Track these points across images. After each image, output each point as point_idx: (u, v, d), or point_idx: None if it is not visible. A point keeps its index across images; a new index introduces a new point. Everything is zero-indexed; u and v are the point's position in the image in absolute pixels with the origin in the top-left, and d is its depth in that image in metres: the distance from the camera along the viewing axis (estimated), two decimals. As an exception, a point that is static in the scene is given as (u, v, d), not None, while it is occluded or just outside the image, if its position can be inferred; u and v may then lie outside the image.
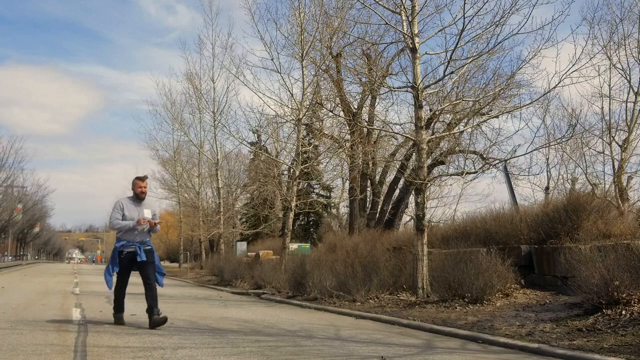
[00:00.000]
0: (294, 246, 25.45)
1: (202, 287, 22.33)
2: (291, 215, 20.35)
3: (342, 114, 28.43)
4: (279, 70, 19.97)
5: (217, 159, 32.56)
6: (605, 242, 11.66)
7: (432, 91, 13.65)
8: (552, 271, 12.13)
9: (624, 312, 7.83)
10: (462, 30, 11.43)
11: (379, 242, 20.26)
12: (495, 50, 11.88)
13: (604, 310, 8.07)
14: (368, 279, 13.38)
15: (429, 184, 12.20)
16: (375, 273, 14.01)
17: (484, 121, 17.52)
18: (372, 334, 8.12)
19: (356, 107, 27.98)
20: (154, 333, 7.49)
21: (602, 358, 5.77)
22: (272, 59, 20.01)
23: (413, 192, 12.21)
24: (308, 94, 21.15)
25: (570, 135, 14.62)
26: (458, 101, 16.89)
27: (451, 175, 13.99)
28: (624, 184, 22.69)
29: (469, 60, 12.32)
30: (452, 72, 12.44)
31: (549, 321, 8.38)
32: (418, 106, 12.52)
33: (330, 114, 29.82)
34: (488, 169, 12.50)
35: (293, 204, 20.23)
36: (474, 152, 25.69)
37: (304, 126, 25.23)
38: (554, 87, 12.20)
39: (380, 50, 23.76)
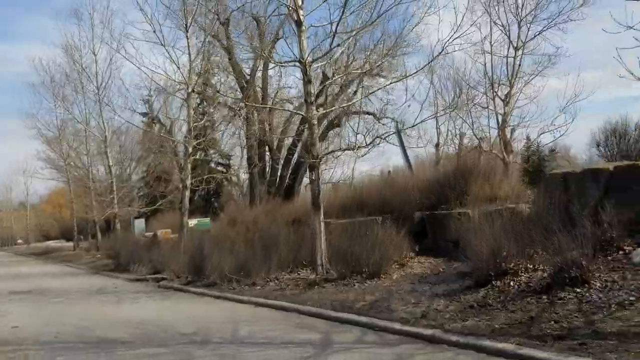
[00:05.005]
0: (193, 222, 24.81)
1: (97, 275, 21.30)
2: (187, 193, 19.67)
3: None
4: (163, 42, 18.92)
5: (105, 136, 30.84)
6: (492, 206, 12.13)
7: (320, 64, 13.37)
8: (444, 236, 12.49)
9: (512, 284, 8.12)
10: (345, 3, 11.19)
11: (280, 213, 20.12)
12: (378, 22, 11.76)
13: (493, 283, 8.34)
14: (268, 258, 13.22)
15: (322, 160, 12.05)
16: (276, 250, 13.85)
17: (372, 92, 17.64)
18: (271, 330, 7.96)
19: (249, 73, 27.39)
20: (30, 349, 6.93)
21: (493, 344, 5.92)
22: (154, 31, 18.91)
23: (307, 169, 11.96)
24: (196, 65, 20.25)
25: (455, 106, 14.89)
26: (345, 74, 16.85)
27: (344, 150, 13.92)
28: (508, 136, 23.80)
29: (354, 33, 12.14)
30: (339, 45, 12.23)
31: (442, 296, 8.56)
32: (307, 81, 12.25)
33: (223, 80, 29.22)
34: (379, 143, 12.51)
35: (188, 182, 19.57)
36: (368, 113, 25.97)
37: (197, 95, 24.36)
38: (437, 56, 12.35)
39: (268, 15, 23.17)
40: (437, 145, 28.79)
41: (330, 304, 9.29)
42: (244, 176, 39.23)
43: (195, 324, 8.74)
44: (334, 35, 11.69)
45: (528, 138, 42.46)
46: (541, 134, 24.92)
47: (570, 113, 22.27)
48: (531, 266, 8.47)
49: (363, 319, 7.95)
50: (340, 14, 11.31)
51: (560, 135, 26.17)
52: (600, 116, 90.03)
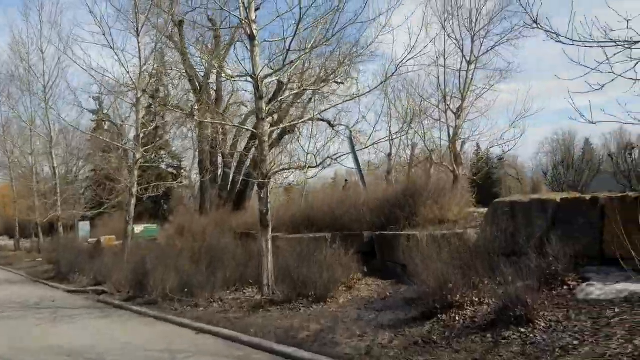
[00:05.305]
0: (140, 228, 24.21)
1: (36, 284, 20.43)
2: (133, 201, 19.03)
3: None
4: (112, 46, 18.24)
5: (51, 137, 29.75)
6: (440, 228, 12.09)
7: (272, 79, 13.08)
8: (393, 258, 12.38)
9: (457, 318, 8.03)
10: (300, 19, 10.93)
11: (229, 223, 19.76)
12: (331, 41, 11.58)
13: (439, 316, 8.24)
14: (213, 275, 12.85)
15: (271, 179, 11.77)
16: (222, 266, 13.51)
17: (324, 110, 17.53)
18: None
19: (203, 75, 26.81)
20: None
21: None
22: (104, 34, 18.24)
23: (256, 188, 11.69)
24: (146, 69, 19.60)
25: (407, 130, 14.88)
26: (301, 81, 16.66)
27: (294, 169, 13.68)
28: (459, 149, 24.07)
29: (307, 50, 11.90)
30: (292, 62, 11.97)
31: (388, 328, 8.39)
32: (258, 97, 11.93)
33: (175, 82, 28.53)
34: (329, 165, 12.31)
35: (134, 190, 18.94)
36: (322, 119, 25.81)
37: (147, 99, 23.67)
38: (390, 76, 12.27)
39: (225, 18, 22.71)
40: (389, 155, 28.95)
41: (274, 333, 9.02)
42: (195, 177, 38.63)
43: (129, 356, 8.33)
44: (287, 52, 11.41)
45: (478, 147, 43.17)
46: (491, 147, 25.34)
47: (519, 127, 22.71)
48: (477, 299, 8.40)
49: (306, 355, 7.71)
50: (294, 30, 11.05)
51: (509, 150, 26.59)
52: (550, 126, 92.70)
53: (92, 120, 40.38)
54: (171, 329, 10.44)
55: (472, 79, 23.40)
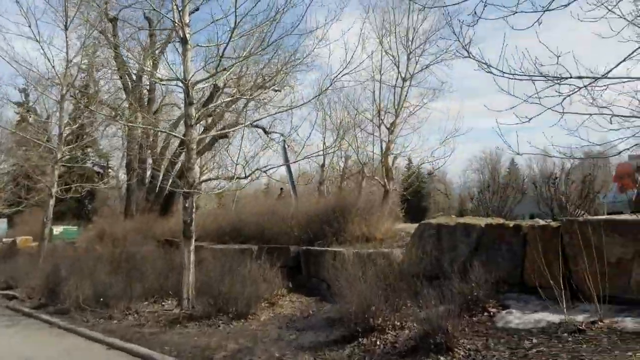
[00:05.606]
0: (59, 229, 23.09)
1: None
2: (52, 202, 18.08)
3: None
4: (38, 39, 17.32)
5: (-33, 127, 28.04)
6: (367, 246, 12.02)
7: (203, 85, 12.70)
8: (318, 274, 12.22)
9: (378, 342, 7.90)
10: (234, 27, 10.62)
11: (153, 229, 19.10)
12: (266, 51, 11.34)
13: (360, 340, 8.09)
14: (130, 286, 12.28)
15: (199, 188, 11.38)
16: (141, 276, 12.95)
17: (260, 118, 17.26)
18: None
19: (135, 72, 25.91)
20: None
21: None
22: (29, 25, 17.31)
23: (181, 197, 11.26)
24: (73, 65, 18.73)
25: (338, 147, 14.82)
26: (237, 86, 16.32)
27: (222, 179, 13.34)
28: (390, 163, 24.32)
29: (241, 59, 11.61)
30: (225, 69, 11.63)
31: (307, 350, 8.18)
32: (188, 103, 11.51)
33: (106, 78, 27.44)
34: (258, 177, 12.01)
35: (54, 190, 18.00)
36: (257, 126, 25.46)
37: (75, 94, 22.64)
38: (325, 90, 12.16)
39: (160, 18, 22.06)
40: (322, 166, 28.91)
41: (190, 351, 8.64)
42: (122, 177, 37.30)
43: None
44: (221, 59, 11.07)
45: (410, 161, 43.90)
46: (422, 164, 25.75)
47: (449, 145, 23.23)
48: (399, 323, 8.29)
49: (219, 377, 7.39)
50: (228, 37, 10.72)
51: (439, 168, 27.12)
52: (479, 143, 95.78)
53: (16, 113, 38.46)
54: (80, 343, 9.85)
55: (406, 95, 23.76)
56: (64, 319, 11.71)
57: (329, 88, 11.96)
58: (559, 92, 6.23)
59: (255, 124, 23.72)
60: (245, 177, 11.50)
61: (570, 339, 6.79)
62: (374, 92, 23.52)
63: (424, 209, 55.95)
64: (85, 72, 24.56)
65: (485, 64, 6.07)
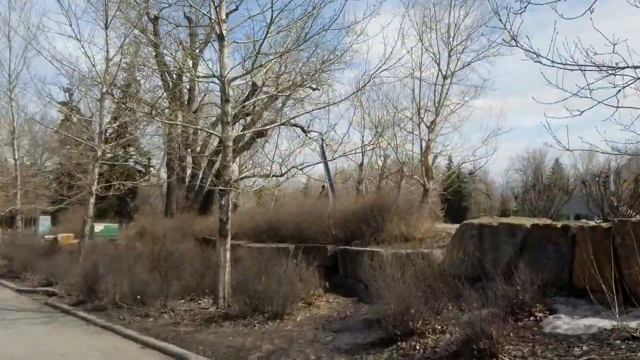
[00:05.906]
0: (100, 227, 23.39)
1: (-14, 281, 19.50)
2: (92, 200, 18.25)
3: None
4: (79, 37, 17.50)
5: (13, 127, 28.69)
6: (406, 246, 11.69)
7: (240, 82, 12.57)
8: (355, 274, 11.96)
9: (417, 347, 7.58)
10: (270, 23, 10.42)
11: (192, 227, 19.15)
12: (302, 47, 11.13)
13: (399, 343, 7.79)
14: (168, 284, 12.22)
15: (235, 186, 11.25)
16: (179, 274, 12.91)
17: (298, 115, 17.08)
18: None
19: (175, 70, 26.03)
20: None
21: None
22: (70, 24, 17.52)
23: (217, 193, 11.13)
24: (114, 64, 18.86)
25: (376, 144, 14.52)
26: (276, 85, 16.17)
27: (259, 177, 13.19)
28: (430, 163, 23.81)
29: (277, 55, 11.41)
30: (261, 66, 11.46)
31: (344, 353, 7.93)
32: (225, 100, 11.38)
33: (146, 77, 27.67)
34: (294, 175, 11.82)
35: (94, 188, 18.17)
36: (296, 125, 25.32)
37: (117, 92, 22.89)
38: (363, 86, 11.89)
39: (200, 17, 22.13)
40: (361, 165, 28.55)
41: (224, 351, 8.48)
42: (164, 175, 37.72)
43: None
44: (257, 55, 10.90)
45: (450, 161, 43.10)
46: (463, 163, 25.17)
47: (491, 144, 22.59)
48: (439, 327, 7.96)
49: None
50: (264, 33, 10.53)
51: (480, 167, 26.48)
52: (522, 142, 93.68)
53: (60, 112, 39.30)
54: (115, 341, 9.79)
55: (447, 93, 23.25)
56: (100, 316, 11.73)
57: (368, 84, 11.65)
58: (613, 84, 5.81)
59: (293, 122, 23.59)
60: (282, 175, 11.32)
61: (623, 346, 6.36)
62: (413, 89, 23.10)
63: (464, 209, 55.06)
64: (126, 71, 24.82)
65: (535, 53, 5.70)
